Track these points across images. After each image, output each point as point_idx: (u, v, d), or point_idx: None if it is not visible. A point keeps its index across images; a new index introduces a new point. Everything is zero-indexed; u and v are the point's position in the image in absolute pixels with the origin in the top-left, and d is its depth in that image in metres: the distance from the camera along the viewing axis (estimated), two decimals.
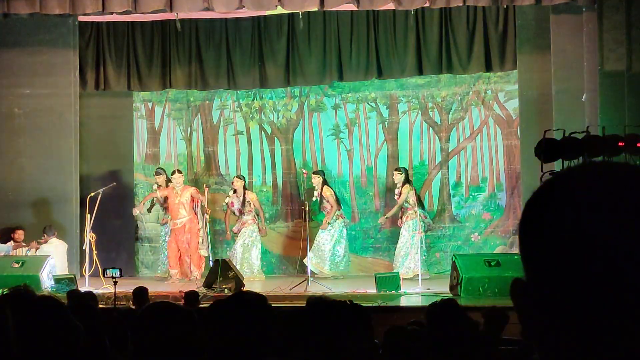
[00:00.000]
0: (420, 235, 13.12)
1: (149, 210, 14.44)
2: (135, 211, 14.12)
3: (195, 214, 13.67)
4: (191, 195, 13.61)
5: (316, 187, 13.56)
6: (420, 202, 13.37)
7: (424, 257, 13.14)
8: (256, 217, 13.70)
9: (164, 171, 14.05)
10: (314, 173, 13.78)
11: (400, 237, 13.30)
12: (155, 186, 13.95)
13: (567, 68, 12.43)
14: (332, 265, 13.51)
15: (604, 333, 1.01)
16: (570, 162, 10.16)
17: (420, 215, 13.17)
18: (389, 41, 14.12)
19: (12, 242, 13.25)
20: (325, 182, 13.60)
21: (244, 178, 14.05)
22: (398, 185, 13.40)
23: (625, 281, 1.00)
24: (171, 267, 13.56)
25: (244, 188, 13.76)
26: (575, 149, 10.16)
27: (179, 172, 13.82)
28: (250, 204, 13.65)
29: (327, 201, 13.46)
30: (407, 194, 13.16)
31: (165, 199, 13.81)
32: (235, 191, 13.70)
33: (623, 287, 1.00)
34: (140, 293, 8.85)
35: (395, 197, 13.51)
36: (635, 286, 1.00)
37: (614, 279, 1.00)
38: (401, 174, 13.40)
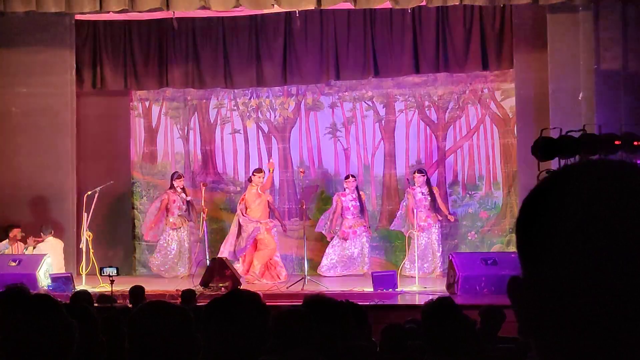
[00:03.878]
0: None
1: None
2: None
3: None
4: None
5: (351, 191, 13.55)
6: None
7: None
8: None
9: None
10: (352, 176, 13.77)
11: (424, 238, 13.33)
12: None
13: (564, 67, 12.44)
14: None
15: (602, 331, 1.01)
16: (566, 161, 10.18)
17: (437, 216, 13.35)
18: (385, 40, 14.12)
19: (7, 240, 13.24)
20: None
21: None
22: (419, 185, 13.36)
23: (624, 279, 1.00)
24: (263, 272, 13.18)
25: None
26: (571, 148, 10.17)
27: (262, 171, 13.61)
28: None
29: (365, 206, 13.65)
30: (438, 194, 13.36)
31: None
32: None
33: (622, 285, 1.00)
34: (137, 292, 8.84)
35: (420, 196, 13.36)
36: (634, 284, 1.00)
37: (612, 277, 1.00)
38: (424, 175, 13.44)
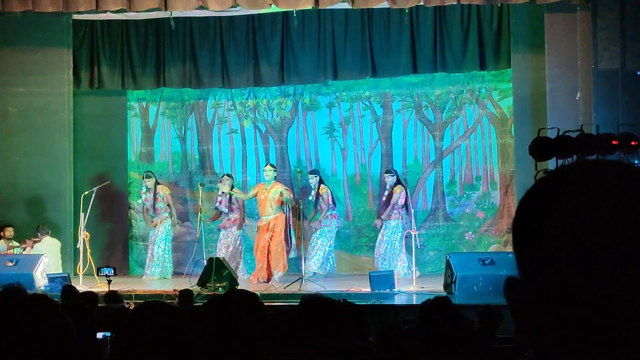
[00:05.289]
0: (400, 236, 13.11)
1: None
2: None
3: (282, 212, 13.21)
4: (280, 193, 13.16)
5: (313, 187, 13.50)
6: (405, 205, 13.26)
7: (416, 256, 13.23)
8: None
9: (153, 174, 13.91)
10: (310, 172, 13.68)
11: (380, 235, 13.29)
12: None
13: (561, 66, 12.45)
14: (320, 264, 13.45)
15: (599, 331, 1.01)
16: (564, 161, 10.17)
17: (402, 217, 13.15)
18: (383, 40, 14.13)
19: (2, 240, 13.23)
20: (321, 181, 13.55)
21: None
22: (388, 187, 13.37)
23: (621, 279, 1.00)
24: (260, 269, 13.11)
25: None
26: (569, 148, 10.16)
27: (272, 165, 13.52)
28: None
29: (322, 200, 13.42)
30: (398, 196, 13.14)
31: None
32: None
33: (618, 285, 1.00)
34: (113, 295, 8.77)
35: (383, 198, 13.48)
36: (631, 284, 1.00)
37: (609, 277, 1.00)
38: (392, 175, 13.39)
